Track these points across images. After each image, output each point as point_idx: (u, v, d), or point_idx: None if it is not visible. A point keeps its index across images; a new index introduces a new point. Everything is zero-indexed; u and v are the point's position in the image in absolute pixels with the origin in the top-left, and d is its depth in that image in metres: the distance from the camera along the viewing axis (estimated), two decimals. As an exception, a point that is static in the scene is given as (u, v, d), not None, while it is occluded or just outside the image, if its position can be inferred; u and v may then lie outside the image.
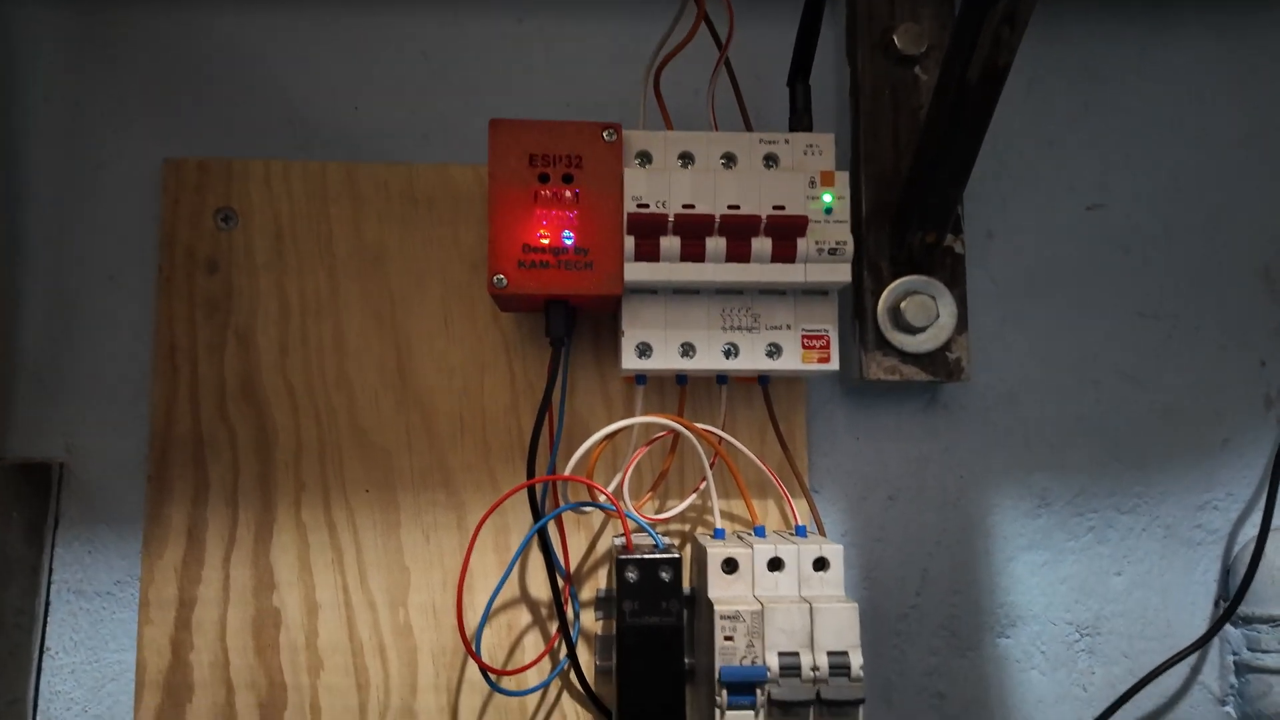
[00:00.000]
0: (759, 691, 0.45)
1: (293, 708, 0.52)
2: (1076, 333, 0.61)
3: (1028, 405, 0.60)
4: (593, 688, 0.54)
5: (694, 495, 0.56)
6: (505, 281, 0.47)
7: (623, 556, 0.47)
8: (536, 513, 0.52)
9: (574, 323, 0.54)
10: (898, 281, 0.55)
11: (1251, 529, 0.58)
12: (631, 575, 0.46)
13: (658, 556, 0.46)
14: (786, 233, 0.48)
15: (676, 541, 0.56)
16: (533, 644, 0.55)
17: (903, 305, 0.54)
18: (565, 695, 0.54)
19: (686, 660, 0.52)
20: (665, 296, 0.51)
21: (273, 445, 0.54)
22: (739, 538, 0.52)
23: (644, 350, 0.50)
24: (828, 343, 0.51)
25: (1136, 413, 0.61)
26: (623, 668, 0.46)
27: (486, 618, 0.54)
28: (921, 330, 0.55)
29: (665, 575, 0.46)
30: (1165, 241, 0.63)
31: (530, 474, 0.51)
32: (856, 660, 0.45)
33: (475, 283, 0.57)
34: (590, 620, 0.55)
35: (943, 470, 0.59)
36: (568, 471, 0.51)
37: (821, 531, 0.55)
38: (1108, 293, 0.62)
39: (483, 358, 0.56)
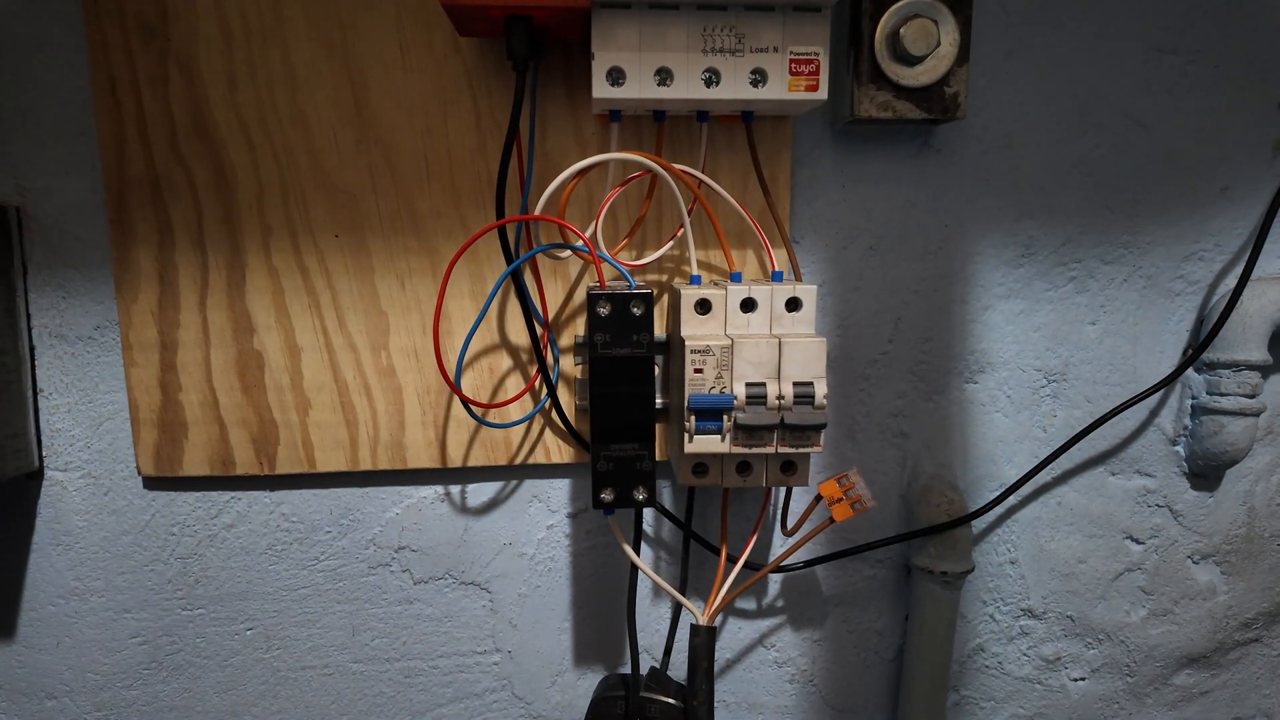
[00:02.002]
0: (726, 417, 0.47)
1: (285, 443, 0.55)
2: (1086, 69, 0.57)
3: (1024, 148, 0.57)
4: (573, 424, 0.56)
5: (671, 243, 0.54)
6: (459, -11, 0.43)
7: (594, 291, 0.46)
8: (509, 256, 0.51)
9: (540, 47, 0.50)
10: (899, 3, 0.50)
11: (1234, 280, 0.57)
12: (603, 309, 0.46)
13: (629, 291, 0.46)
14: (775, -68, 0.43)
15: (653, 291, 0.55)
16: (514, 386, 0.56)
17: (902, 30, 0.50)
18: (547, 431, 0.57)
19: (660, 400, 0.54)
20: (640, 13, 0.46)
21: (233, 186, 0.52)
22: (714, 284, 0.52)
23: (617, 77, 0.47)
24: (817, 68, 0.47)
25: (1136, 158, 0.58)
26: (595, 397, 0.47)
27: (464, 356, 0.55)
28: (920, 60, 0.51)
29: (636, 310, 0.46)
30: (1201, -35, 0.56)
31: (500, 214, 0.49)
32: (820, 390, 0.46)
33: (430, 4, 0.52)
34: (569, 365, 0.56)
35: (928, 218, 0.58)
36: (539, 214, 0.49)
37: (799, 280, 0.54)
38: (1127, 24, 0.57)
39: (445, 93, 0.52)
